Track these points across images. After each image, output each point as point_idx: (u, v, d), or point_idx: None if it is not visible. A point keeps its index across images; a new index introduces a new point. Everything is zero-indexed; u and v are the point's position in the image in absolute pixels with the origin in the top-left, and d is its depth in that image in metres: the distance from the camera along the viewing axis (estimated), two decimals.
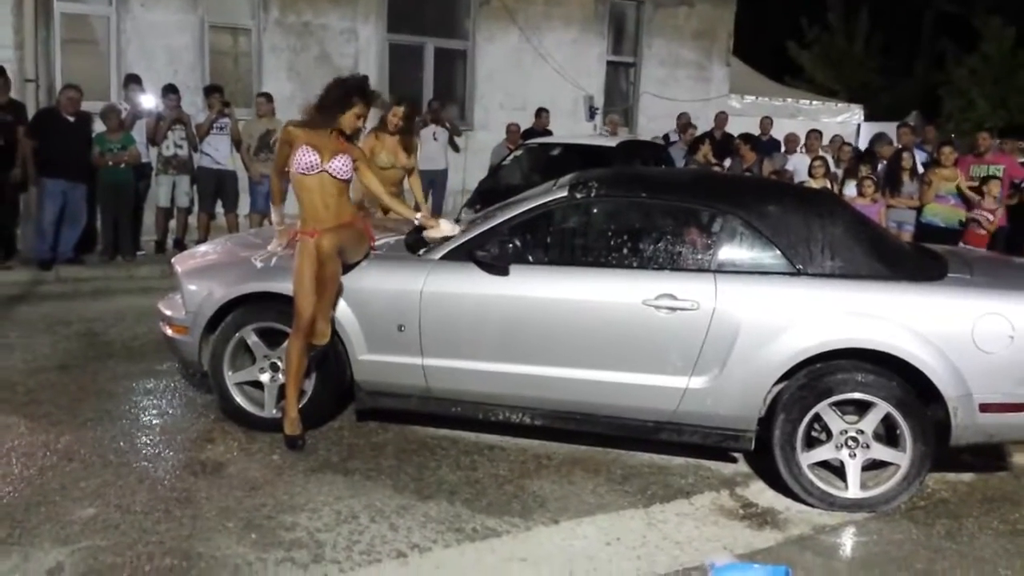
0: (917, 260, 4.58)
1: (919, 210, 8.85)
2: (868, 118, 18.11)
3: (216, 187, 9.74)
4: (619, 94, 13.99)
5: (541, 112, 11.98)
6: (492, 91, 12.59)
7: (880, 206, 8.59)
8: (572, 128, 12.63)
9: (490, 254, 4.32)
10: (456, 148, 11.92)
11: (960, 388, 3.96)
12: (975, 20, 24.16)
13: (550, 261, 4.44)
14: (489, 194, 8.58)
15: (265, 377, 4.66)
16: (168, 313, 4.89)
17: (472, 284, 4.37)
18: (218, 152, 9.62)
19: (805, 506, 4.11)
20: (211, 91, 9.77)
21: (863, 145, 13.53)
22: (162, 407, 5.10)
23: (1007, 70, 23.51)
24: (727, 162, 10.44)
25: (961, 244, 8.04)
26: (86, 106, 9.01)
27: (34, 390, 5.24)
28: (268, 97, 9.90)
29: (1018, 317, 3.98)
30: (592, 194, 4.50)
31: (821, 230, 4.25)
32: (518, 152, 10.42)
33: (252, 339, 4.62)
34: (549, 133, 11.62)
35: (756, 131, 11.81)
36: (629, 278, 4.27)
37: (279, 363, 4.62)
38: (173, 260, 5.23)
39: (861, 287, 4.12)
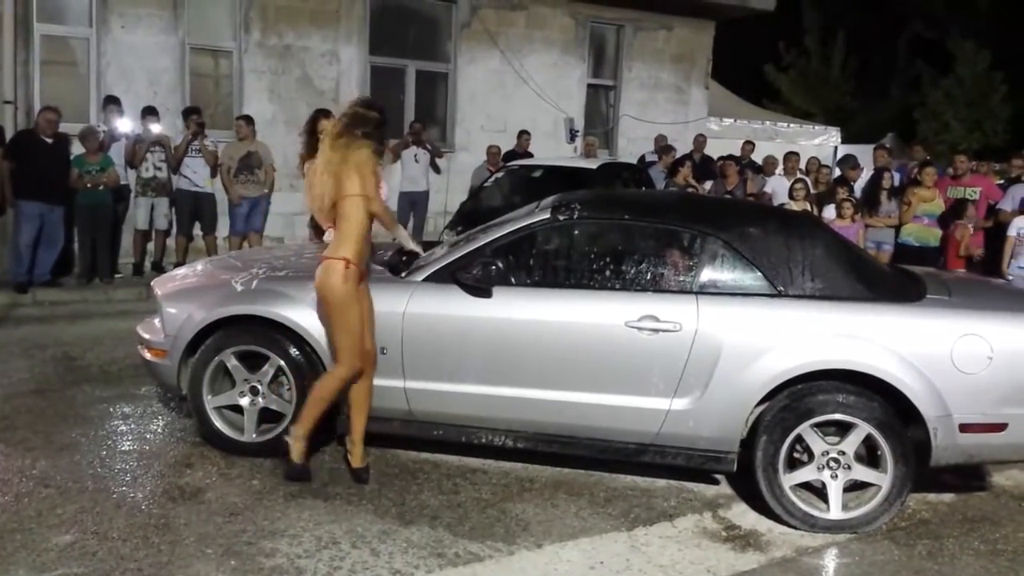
0: (896, 281, 4.62)
1: (898, 230, 8.94)
2: (845, 140, 18.33)
3: (194, 209, 9.69)
4: (599, 117, 14.07)
5: (522, 134, 12.04)
6: (473, 113, 12.63)
7: (859, 227, 8.66)
8: (553, 150, 12.69)
9: (473, 276, 4.32)
10: (437, 170, 11.94)
11: (940, 409, 3.98)
12: (949, 44, 24.59)
13: (533, 283, 4.44)
14: (470, 216, 8.59)
15: (245, 401, 4.61)
16: (146, 336, 4.84)
17: (454, 306, 4.36)
18: (196, 175, 9.58)
19: (787, 528, 4.11)
20: (189, 113, 9.74)
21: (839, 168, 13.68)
22: (140, 432, 5.04)
23: (981, 93, 23.93)
24: (707, 184, 10.51)
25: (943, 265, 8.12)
26: (65, 128, 8.96)
27: (10, 415, 5.16)
28: (248, 119, 9.88)
29: (997, 338, 4.02)
30: (574, 216, 4.52)
31: (802, 252, 4.28)
32: (499, 174, 10.45)
33: (232, 363, 4.58)
34: (530, 155, 11.66)
35: (736, 154, 11.96)
36: (611, 300, 4.28)
37: (259, 387, 4.58)
38: (153, 283, 5.19)
39: (841, 308, 4.15)
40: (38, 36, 9.93)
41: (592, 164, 10.17)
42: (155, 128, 9.47)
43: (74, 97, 10.06)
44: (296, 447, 4.31)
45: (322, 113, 6.01)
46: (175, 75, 10.63)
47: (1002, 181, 10.25)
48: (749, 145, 12.68)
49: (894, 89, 27.00)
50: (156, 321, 4.84)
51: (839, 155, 17.03)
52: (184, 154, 9.48)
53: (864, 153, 12.17)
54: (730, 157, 11.20)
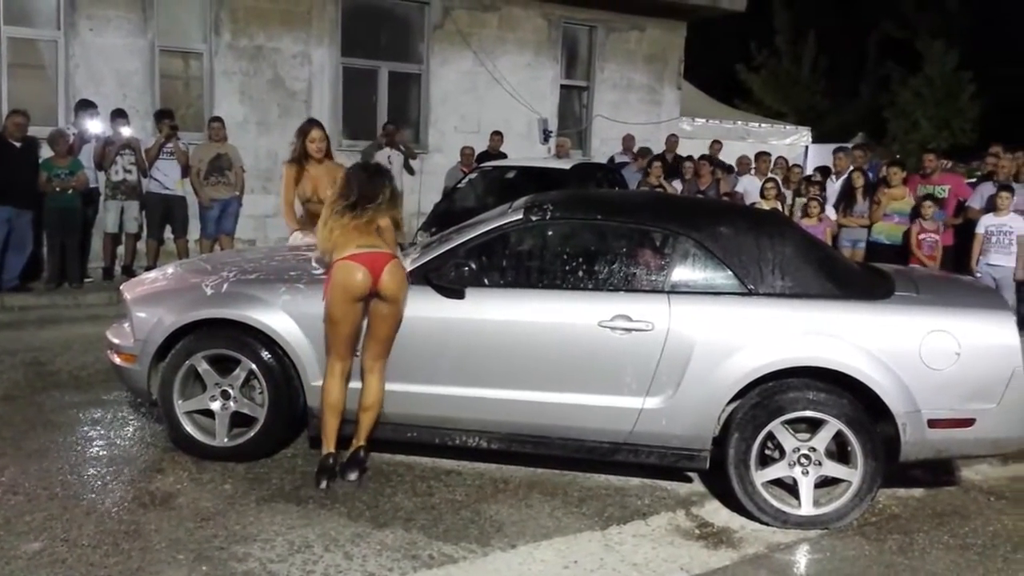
0: (865, 279, 4.66)
1: (870, 228, 9.03)
2: (816, 140, 18.52)
3: (165, 212, 9.60)
4: (573, 117, 14.11)
5: (494, 135, 12.04)
6: (446, 114, 12.62)
7: (826, 226, 8.75)
8: (527, 151, 12.71)
9: (445, 277, 4.32)
10: (411, 171, 11.92)
11: (909, 405, 4.03)
12: (918, 44, 24.87)
13: (506, 284, 4.45)
14: (444, 217, 8.58)
15: (216, 405, 4.58)
16: (116, 341, 4.79)
17: (427, 308, 4.35)
18: (167, 178, 9.49)
19: (760, 524, 4.13)
20: (161, 116, 9.65)
21: (810, 166, 13.82)
22: (110, 438, 4.98)
23: (949, 92, 24.20)
24: (676, 183, 10.58)
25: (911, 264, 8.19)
26: (33, 131, 8.86)
27: None
28: (221, 122, 9.81)
29: (964, 334, 4.08)
30: (547, 216, 4.52)
31: (772, 251, 4.31)
32: (473, 175, 10.45)
33: (203, 367, 4.54)
34: (504, 156, 11.67)
35: (707, 153, 12.06)
36: (584, 300, 4.29)
37: (230, 391, 4.54)
38: (122, 287, 5.14)
39: (811, 306, 4.18)
40: (5, 39, 9.80)
41: (565, 165, 10.19)
42: (125, 131, 9.38)
43: (42, 100, 9.94)
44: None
45: (314, 124, 6.08)
46: (144, 77, 10.54)
47: (972, 180, 10.38)
48: (717, 144, 12.84)
49: (864, 88, 27.27)
50: (126, 325, 4.79)
51: (809, 154, 17.25)
52: (156, 157, 9.39)
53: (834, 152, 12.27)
54: (704, 157, 11.28)
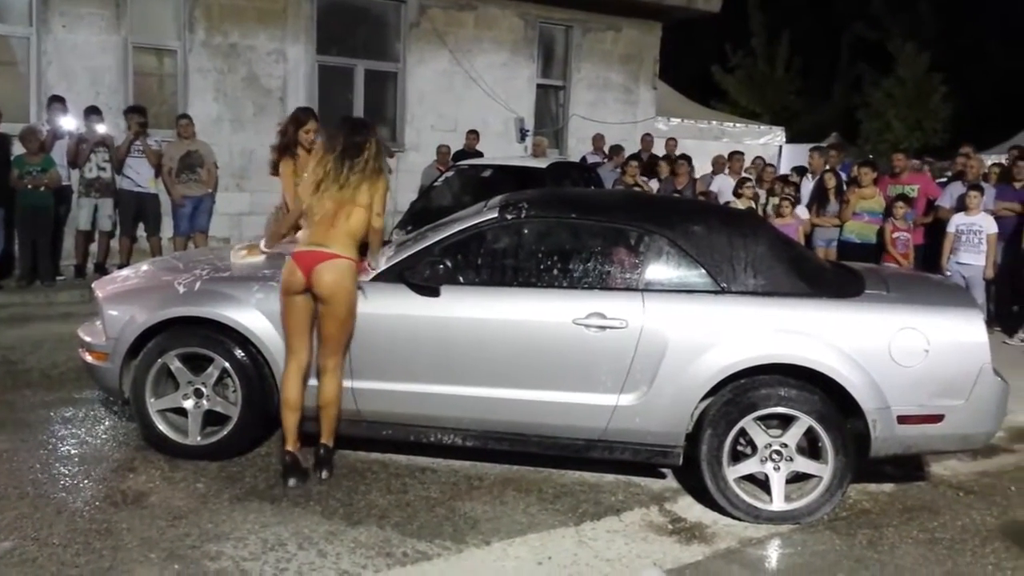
0: (836, 277, 4.71)
1: (841, 227, 9.11)
2: (790, 140, 18.67)
3: (137, 210, 9.51)
4: (549, 116, 14.14)
5: (469, 133, 12.04)
6: (423, 113, 12.60)
7: (798, 224, 8.83)
8: (504, 150, 12.72)
9: (421, 275, 4.31)
10: (388, 169, 11.88)
11: (878, 401, 4.08)
12: (891, 45, 25.13)
13: (481, 282, 4.45)
14: (420, 215, 8.56)
15: (189, 404, 4.55)
16: (88, 339, 4.75)
17: (403, 306, 4.35)
18: (139, 175, 9.40)
19: (732, 519, 4.17)
20: (131, 112, 9.53)
21: (784, 166, 13.95)
22: (81, 436, 4.94)
23: (921, 94, 24.47)
24: (653, 183, 10.62)
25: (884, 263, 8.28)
26: (5, 128, 8.76)
27: None
28: (189, 119, 9.75)
29: (933, 331, 4.13)
30: (522, 215, 4.53)
31: (744, 249, 4.34)
32: (449, 173, 10.42)
33: (175, 365, 4.52)
34: (480, 154, 11.67)
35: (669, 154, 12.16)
36: (559, 298, 4.31)
37: (203, 389, 4.52)
38: (93, 285, 5.10)
39: (783, 304, 4.22)
40: None
41: (541, 163, 10.19)
42: (99, 128, 9.28)
43: (14, 97, 9.82)
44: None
45: (311, 114, 6.10)
46: (118, 74, 10.45)
47: (942, 179, 10.51)
48: (672, 141, 13.06)
49: (837, 89, 27.51)
50: (98, 323, 4.76)
51: (783, 154, 17.40)
52: (126, 155, 9.31)
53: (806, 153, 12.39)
54: (682, 157, 11.34)
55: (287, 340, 4.30)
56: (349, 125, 4.44)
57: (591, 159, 12.37)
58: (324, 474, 4.36)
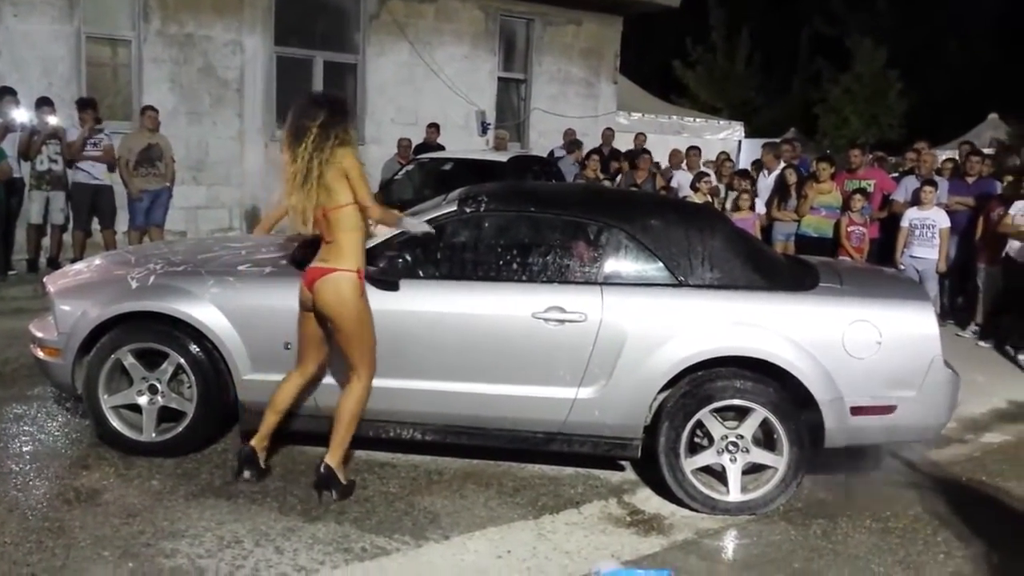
0: (791, 271, 4.76)
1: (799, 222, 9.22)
2: (749, 135, 18.84)
3: (92, 203, 9.33)
4: (511, 110, 14.13)
5: (432, 127, 11.99)
6: (383, 105, 12.52)
7: (755, 219, 8.92)
8: (465, 143, 12.69)
9: (380, 269, 4.29)
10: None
11: (832, 392, 4.14)
12: (848, 41, 25.48)
13: (440, 275, 4.44)
14: None
15: (143, 400, 4.49)
16: (40, 335, 4.67)
17: None
18: (95, 167, 9.24)
19: (689, 511, 4.21)
20: (84, 106, 9.34)
21: (743, 161, 14.09)
22: (33, 433, 4.85)
23: (878, 89, 24.85)
24: (619, 177, 10.68)
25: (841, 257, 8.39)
26: None
27: None
28: (156, 111, 9.56)
29: (885, 324, 4.20)
30: (481, 208, 4.52)
31: (701, 243, 4.38)
32: (409, 167, 10.40)
33: (129, 361, 4.45)
34: (441, 148, 11.63)
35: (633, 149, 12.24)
36: (519, 291, 4.31)
37: (158, 385, 4.46)
38: (45, 279, 5.00)
39: (739, 297, 4.27)
40: None
41: (502, 157, 10.20)
42: (51, 120, 9.09)
43: None
44: (341, 472, 4.14)
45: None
46: (71, 65, 10.25)
47: (896, 174, 10.67)
48: (641, 136, 13.16)
49: (796, 85, 27.84)
50: (50, 319, 4.67)
51: (742, 149, 17.56)
52: (81, 151, 9.12)
53: (770, 148, 12.52)
54: (644, 151, 11.41)
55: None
56: (296, 107, 4.10)
57: (559, 153, 12.37)
58: (333, 495, 4.10)
